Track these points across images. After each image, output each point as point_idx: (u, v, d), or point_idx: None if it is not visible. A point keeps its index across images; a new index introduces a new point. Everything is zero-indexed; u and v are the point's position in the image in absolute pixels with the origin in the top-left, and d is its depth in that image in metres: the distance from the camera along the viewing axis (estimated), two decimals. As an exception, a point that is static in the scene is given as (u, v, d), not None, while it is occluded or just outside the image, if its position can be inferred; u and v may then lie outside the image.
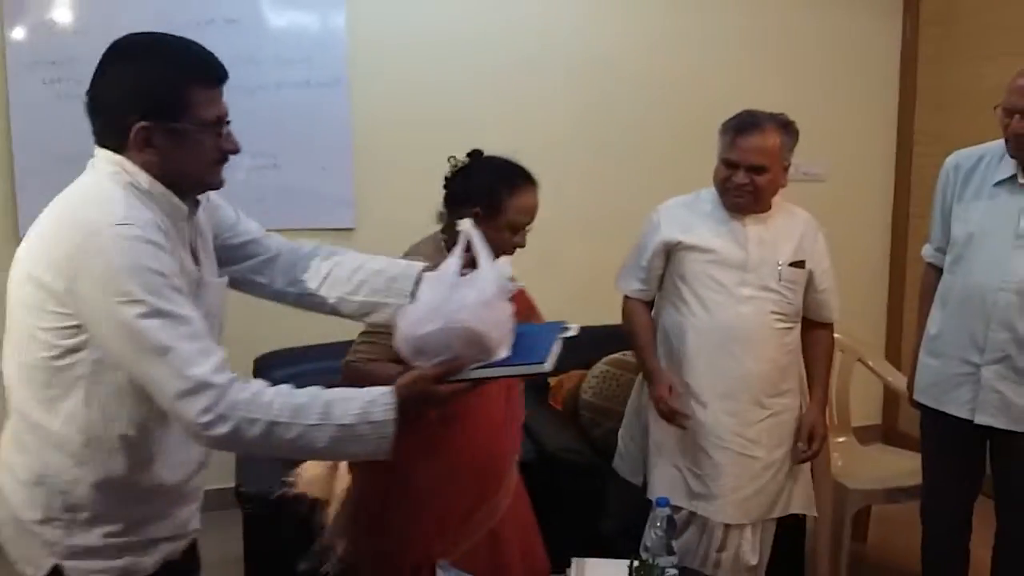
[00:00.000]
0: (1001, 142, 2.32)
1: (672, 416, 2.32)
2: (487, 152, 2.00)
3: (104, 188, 1.39)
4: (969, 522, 2.51)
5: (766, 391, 2.37)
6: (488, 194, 1.91)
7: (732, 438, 2.35)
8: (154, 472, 1.48)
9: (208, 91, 1.42)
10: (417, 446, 1.64)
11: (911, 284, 3.98)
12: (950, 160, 2.47)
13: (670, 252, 2.40)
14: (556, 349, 1.56)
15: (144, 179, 1.40)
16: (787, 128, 2.33)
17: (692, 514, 2.39)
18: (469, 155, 1.99)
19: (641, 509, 2.03)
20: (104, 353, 1.36)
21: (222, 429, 1.32)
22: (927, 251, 2.54)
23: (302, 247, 1.73)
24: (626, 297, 2.51)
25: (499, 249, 1.82)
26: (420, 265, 1.67)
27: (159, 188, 1.42)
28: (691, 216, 2.41)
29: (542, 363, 1.51)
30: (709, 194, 2.43)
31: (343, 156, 3.50)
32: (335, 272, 1.69)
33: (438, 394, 1.45)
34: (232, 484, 2.53)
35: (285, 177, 3.44)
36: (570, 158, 3.63)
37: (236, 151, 1.48)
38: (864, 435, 3.43)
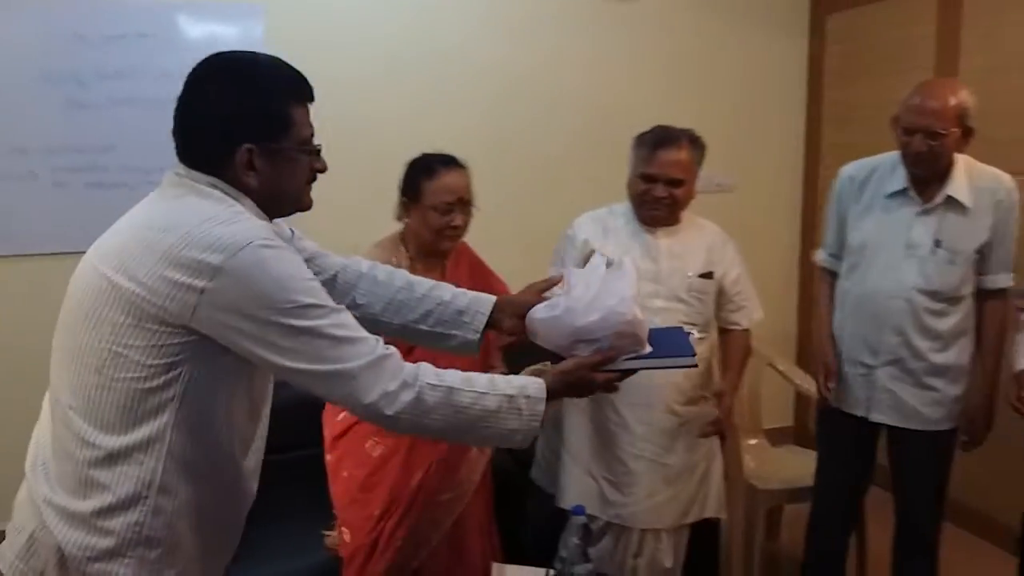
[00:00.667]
0: (893, 154, 2.44)
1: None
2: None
3: (219, 208, 1.34)
4: (855, 516, 2.69)
5: (678, 399, 2.43)
6: (409, 183, 2.22)
7: (645, 446, 2.40)
8: (239, 494, 1.47)
9: (304, 109, 1.43)
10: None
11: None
12: (845, 170, 2.58)
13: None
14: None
15: (247, 202, 1.39)
16: (696, 143, 2.41)
17: (608, 522, 2.44)
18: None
19: (558, 518, 2.05)
20: (256, 365, 1.34)
21: (408, 396, 1.34)
22: (821, 256, 2.65)
23: (359, 264, 1.71)
24: None
25: (431, 230, 2.13)
26: (492, 299, 1.69)
27: (258, 211, 1.40)
28: (604, 230, 2.46)
29: (692, 357, 1.66)
30: (622, 208, 2.48)
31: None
32: (399, 297, 1.68)
33: (594, 381, 1.53)
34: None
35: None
36: (490, 170, 3.64)
37: (325, 170, 1.48)
38: (776, 437, 3.55)
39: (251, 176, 1.38)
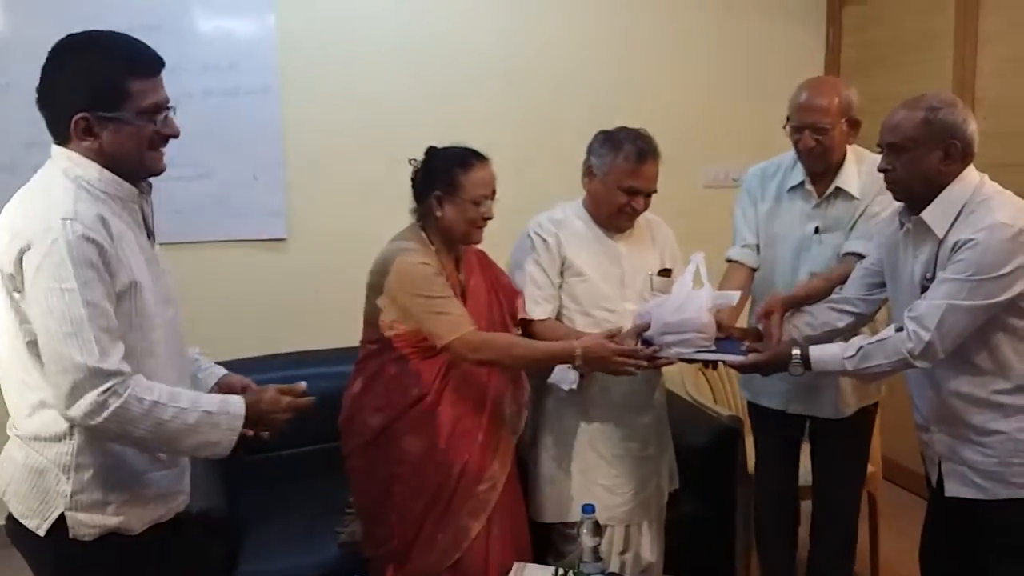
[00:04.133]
0: (794, 152, 2.49)
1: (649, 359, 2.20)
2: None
3: (56, 182, 1.55)
4: (796, 498, 2.75)
5: (648, 395, 2.48)
6: (445, 176, 2.17)
7: (628, 445, 2.43)
8: None
9: (145, 81, 1.56)
10: (407, 427, 2.15)
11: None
12: (751, 170, 2.66)
13: (563, 272, 2.40)
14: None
15: (92, 168, 1.57)
16: None
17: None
18: (426, 153, 2.24)
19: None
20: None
21: (115, 403, 1.48)
22: (733, 251, 2.61)
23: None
24: (535, 320, 2.38)
25: (467, 222, 2.16)
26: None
27: (106, 175, 1.57)
28: (565, 230, 2.41)
29: (739, 356, 2.18)
30: (573, 209, 2.45)
31: (274, 165, 3.45)
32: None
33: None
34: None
35: (215, 187, 3.39)
36: (501, 160, 3.64)
37: (175, 134, 1.62)
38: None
39: (89, 142, 1.56)
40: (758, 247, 2.60)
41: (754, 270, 2.59)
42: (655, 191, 2.35)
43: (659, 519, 2.52)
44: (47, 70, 1.57)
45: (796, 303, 2.36)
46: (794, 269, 2.50)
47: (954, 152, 1.96)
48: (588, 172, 2.39)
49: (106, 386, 1.47)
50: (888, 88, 3.73)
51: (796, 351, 2.13)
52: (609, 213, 2.37)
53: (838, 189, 2.44)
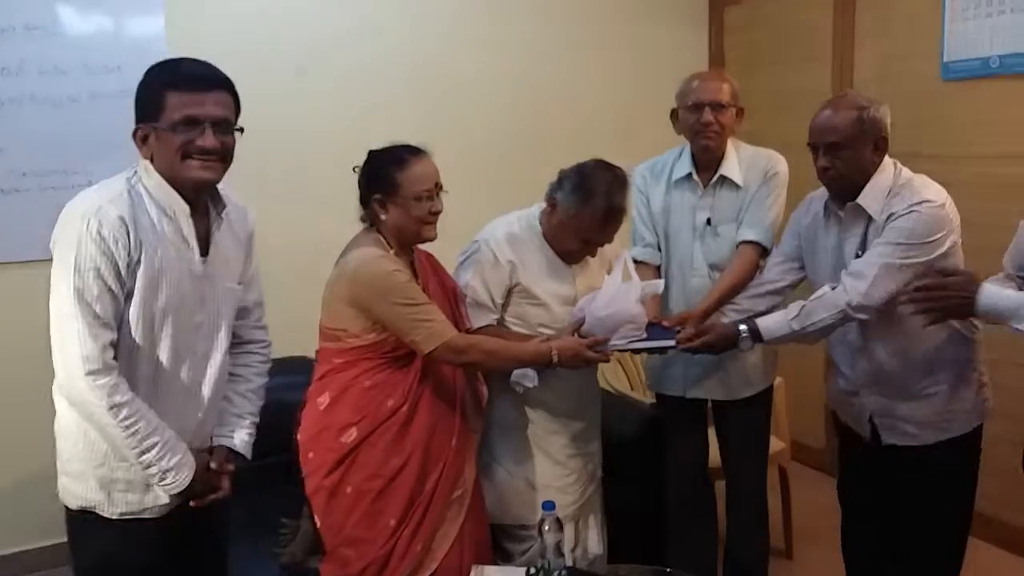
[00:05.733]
0: (678, 148, 2.63)
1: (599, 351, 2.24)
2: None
3: (114, 182, 1.76)
4: (707, 479, 2.84)
5: (592, 393, 2.54)
6: (382, 177, 2.12)
7: (577, 444, 2.45)
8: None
9: (183, 95, 1.70)
10: (383, 441, 2.09)
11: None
12: (638, 168, 2.69)
13: (511, 291, 2.35)
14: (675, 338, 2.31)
15: (154, 177, 1.75)
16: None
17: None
18: (366, 158, 2.18)
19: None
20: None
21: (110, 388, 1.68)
22: (636, 252, 2.65)
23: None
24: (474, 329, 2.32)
25: (414, 221, 2.09)
26: None
27: (164, 186, 1.75)
28: (522, 254, 2.34)
29: (672, 340, 2.30)
30: (531, 227, 2.37)
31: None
32: None
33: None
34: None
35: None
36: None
37: (207, 148, 1.72)
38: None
39: (144, 151, 1.75)
40: (659, 245, 2.66)
41: (657, 267, 2.65)
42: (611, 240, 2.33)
43: (601, 511, 2.55)
44: None
45: (711, 312, 2.45)
46: (695, 261, 2.58)
47: (882, 145, 2.21)
48: (551, 202, 2.30)
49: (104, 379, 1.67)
50: (769, 85, 3.94)
51: (743, 327, 2.29)
52: (561, 251, 2.34)
53: (722, 178, 2.54)
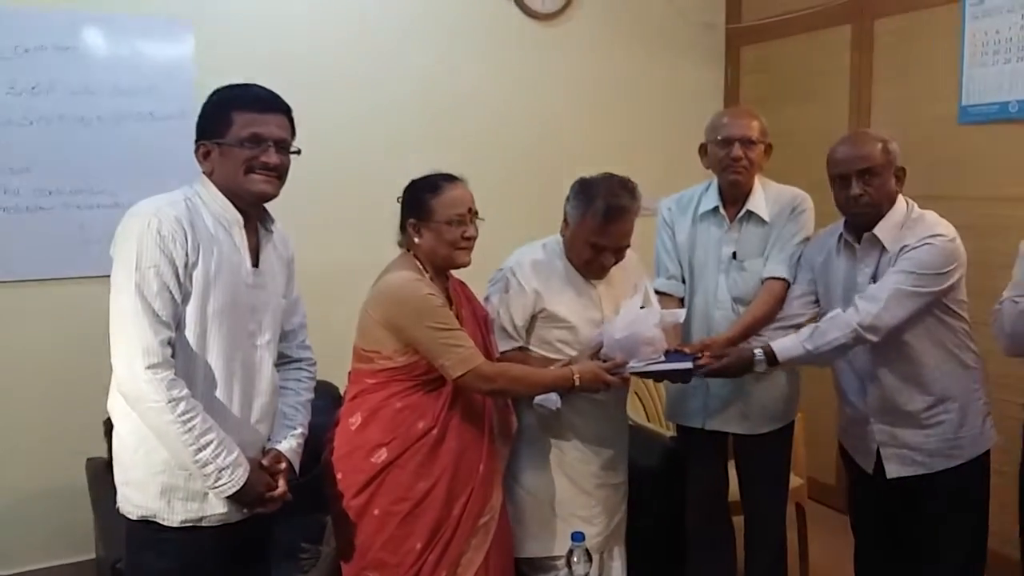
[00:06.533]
0: (705, 183, 2.66)
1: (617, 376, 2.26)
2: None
3: (170, 193, 1.85)
4: (726, 512, 2.82)
5: (620, 422, 2.53)
6: (416, 203, 2.17)
7: (603, 473, 2.43)
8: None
9: (249, 114, 1.83)
10: (411, 465, 2.09)
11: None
12: (666, 201, 2.76)
13: (535, 316, 2.35)
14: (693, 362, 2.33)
15: (210, 189, 1.85)
16: (639, 199, 2.33)
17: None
18: (406, 187, 2.23)
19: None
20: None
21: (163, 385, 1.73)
22: (659, 283, 2.68)
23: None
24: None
25: (447, 245, 2.12)
26: None
27: (220, 198, 1.85)
28: (547, 280, 2.35)
29: (689, 364, 2.31)
30: (556, 247, 2.39)
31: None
32: None
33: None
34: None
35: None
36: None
37: (270, 164, 1.84)
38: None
39: (206, 166, 1.86)
40: (683, 278, 2.68)
41: (680, 300, 2.65)
42: (627, 246, 2.33)
43: (624, 543, 2.53)
44: None
45: (735, 342, 2.47)
46: (719, 294, 2.60)
47: (902, 176, 2.35)
48: (565, 217, 2.36)
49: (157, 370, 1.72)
50: (784, 125, 3.97)
51: (758, 350, 2.35)
52: (578, 264, 2.36)
53: (749, 213, 2.57)
